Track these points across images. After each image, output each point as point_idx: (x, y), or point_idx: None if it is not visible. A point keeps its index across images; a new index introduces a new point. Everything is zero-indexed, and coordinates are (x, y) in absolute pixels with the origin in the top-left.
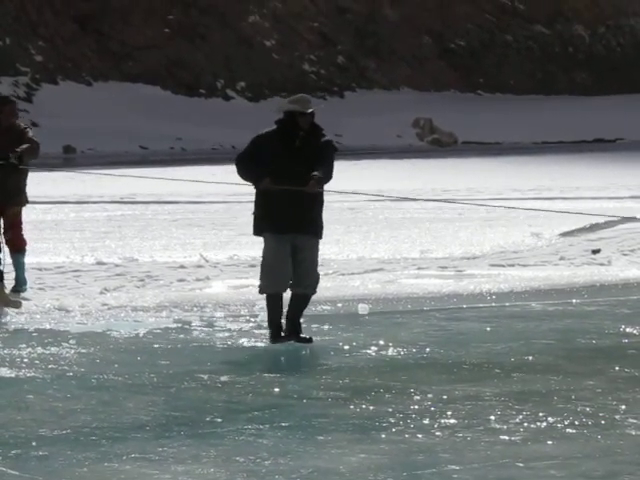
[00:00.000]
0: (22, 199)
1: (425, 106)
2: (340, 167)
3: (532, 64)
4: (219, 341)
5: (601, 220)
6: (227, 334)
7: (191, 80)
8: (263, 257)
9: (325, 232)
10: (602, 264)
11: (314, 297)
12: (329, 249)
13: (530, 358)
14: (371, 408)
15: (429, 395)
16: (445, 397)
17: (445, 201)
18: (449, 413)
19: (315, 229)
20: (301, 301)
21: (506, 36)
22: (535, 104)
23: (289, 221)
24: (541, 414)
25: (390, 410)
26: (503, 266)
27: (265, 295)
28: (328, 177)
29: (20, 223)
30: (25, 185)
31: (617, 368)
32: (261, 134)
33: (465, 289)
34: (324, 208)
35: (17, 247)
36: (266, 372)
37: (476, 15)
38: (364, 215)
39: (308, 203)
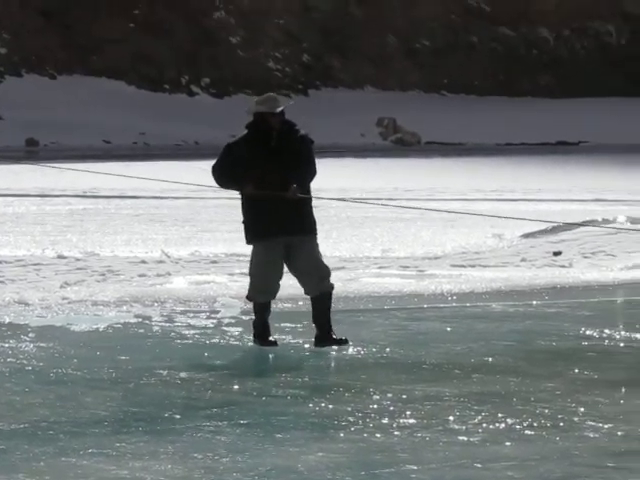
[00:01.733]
0: None
1: (389, 105)
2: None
3: (496, 66)
4: (179, 337)
5: (563, 222)
6: (187, 330)
7: (155, 75)
8: (251, 265)
9: None
10: (563, 266)
11: (281, 294)
12: None
13: (490, 359)
14: (330, 407)
15: (388, 394)
16: (404, 397)
17: (403, 206)
18: (408, 413)
19: (308, 227)
20: (322, 302)
21: (471, 37)
22: (499, 105)
23: (280, 224)
24: (500, 415)
25: (349, 409)
26: (464, 266)
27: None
28: (311, 174)
29: None
30: None
31: (576, 370)
32: (233, 141)
33: (426, 289)
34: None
35: None
36: (225, 369)
37: (442, 15)
38: (326, 213)
39: (297, 202)
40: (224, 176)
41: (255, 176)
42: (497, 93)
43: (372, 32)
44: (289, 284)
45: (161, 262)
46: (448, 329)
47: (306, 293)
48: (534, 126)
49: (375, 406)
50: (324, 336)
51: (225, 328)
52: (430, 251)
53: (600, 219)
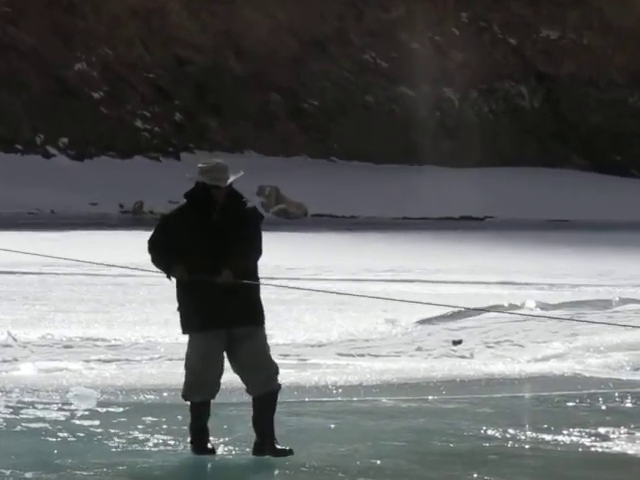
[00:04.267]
0: None
1: (272, 172)
2: None
3: (394, 129)
4: (26, 431)
5: (464, 307)
6: (35, 424)
7: (7, 134)
8: (187, 359)
9: (151, 312)
10: (463, 357)
11: (144, 384)
12: (156, 331)
13: (378, 462)
14: None
15: None
16: None
17: (285, 286)
18: None
19: (254, 316)
20: (266, 403)
21: (366, 97)
22: (396, 175)
23: (221, 313)
24: None
25: None
26: (352, 356)
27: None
28: (255, 254)
29: None
30: None
31: (475, 475)
32: (170, 213)
33: (308, 380)
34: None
35: None
36: (77, 469)
37: (333, 72)
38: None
39: (241, 288)
40: (157, 254)
41: (191, 255)
42: (395, 161)
43: (253, 89)
44: (150, 373)
45: (7, 346)
46: (332, 426)
47: (248, 392)
48: (436, 199)
49: None
50: (266, 444)
51: (78, 422)
52: (314, 337)
53: (506, 304)
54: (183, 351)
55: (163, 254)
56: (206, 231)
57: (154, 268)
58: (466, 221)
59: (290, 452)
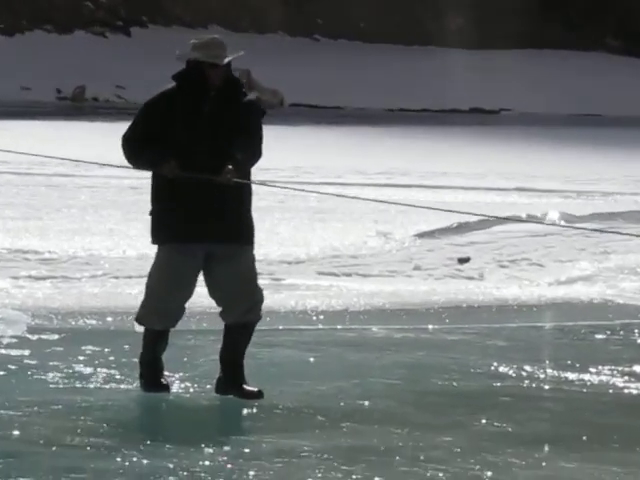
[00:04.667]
0: None
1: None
2: (120, 131)
3: (390, 2)
4: None
5: (473, 218)
6: None
7: None
8: (150, 276)
9: (93, 219)
10: (471, 278)
11: (83, 306)
12: (99, 242)
13: (366, 403)
14: (145, 462)
15: (225, 448)
16: (247, 451)
17: (261, 183)
18: (252, 473)
19: (241, 233)
20: (240, 335)
21: None
22: (392, 57)
23: (202, 224)
24: (377, 479)
25: (171, 466)
26: (336, 275)
27: (143, 328)
28: (254, 156)
29: None
30: None
31: (483, 421)
32: (153, 98)
33: (283, 304)
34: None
35: None
36: (4, 408)
37: None
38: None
39: (230, 195)
40: (135, 149)
41: (176, 151)
42: (390, 40)
43: None
44: (92, 293)
45: None
46: (311, 360)
47: (222, 317)
48: (440, 87)
49: (207, 462)
50: (232, 383)
51: (4, 351)
52: (290, 253)
53: (524, 215)
54: (131, 267)
55: (145, 149)
56: (197, 121)
57: (104, 162)
58: (477, 114)
59: (260, 395)
